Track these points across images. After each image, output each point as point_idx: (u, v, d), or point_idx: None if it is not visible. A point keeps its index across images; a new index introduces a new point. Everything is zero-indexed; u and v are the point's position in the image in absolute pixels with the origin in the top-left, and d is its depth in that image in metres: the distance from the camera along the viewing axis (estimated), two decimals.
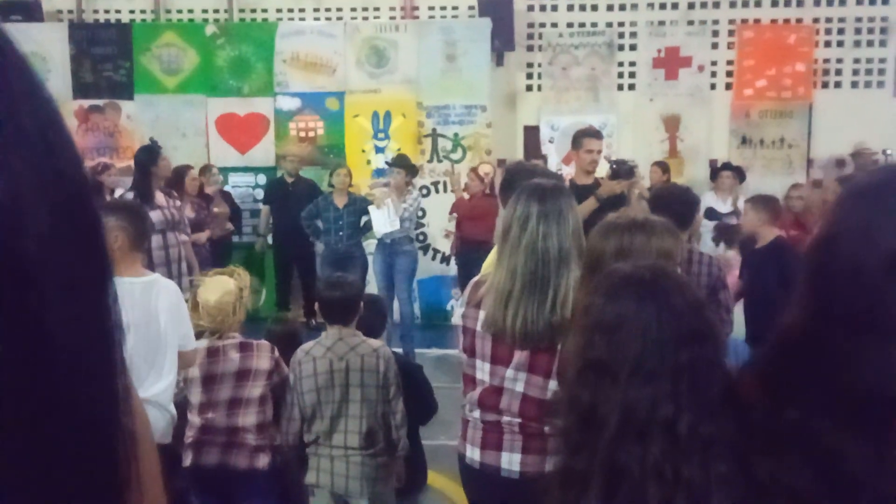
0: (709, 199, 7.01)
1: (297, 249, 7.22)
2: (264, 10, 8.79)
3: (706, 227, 6.70)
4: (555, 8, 8.54)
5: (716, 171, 7.45)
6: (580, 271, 2.18)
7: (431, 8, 8.66)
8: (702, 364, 1.26)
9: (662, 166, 7.57)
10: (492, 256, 2.86)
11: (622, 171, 4.24)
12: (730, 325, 3.54)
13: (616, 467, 1.21)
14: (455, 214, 7.17)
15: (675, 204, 3.55)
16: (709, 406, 1.23)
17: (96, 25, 8.60)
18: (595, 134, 4.45)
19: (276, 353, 3.19)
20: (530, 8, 8.52)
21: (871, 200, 1.04)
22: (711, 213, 6.93)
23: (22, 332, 0.27)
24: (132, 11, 8.90)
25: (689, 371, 1.25)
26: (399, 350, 5.33)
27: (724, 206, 7.00)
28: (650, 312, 1.30)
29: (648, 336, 1.28)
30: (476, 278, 2.49)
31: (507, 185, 3.01)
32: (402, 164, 6.51)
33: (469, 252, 6.51)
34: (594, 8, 8.49)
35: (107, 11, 8.92)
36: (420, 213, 7.69)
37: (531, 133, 8.50)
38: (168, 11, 8.88)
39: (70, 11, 8.86)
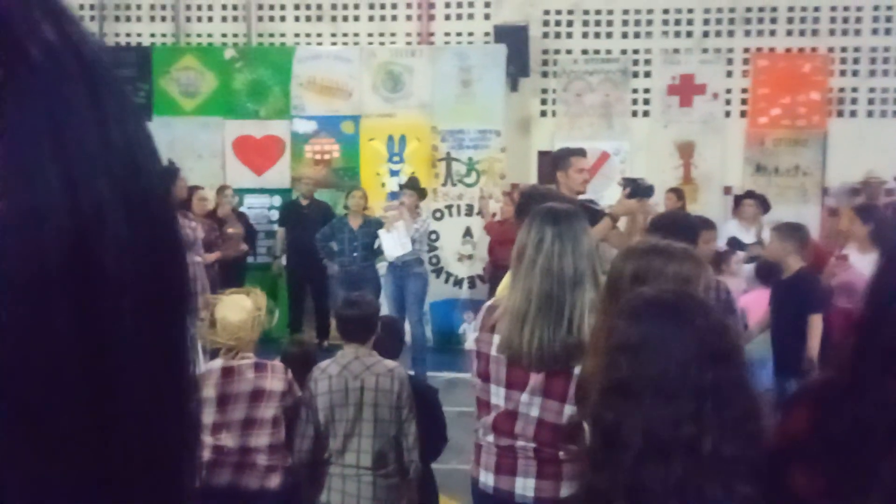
0: (732, 228, 6.96)
1: (311, 271, 7.25)
2: (282, 35, 8.92)
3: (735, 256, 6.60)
4: (569, 35, 8.62)
5: (738, 199, 7.40)
6: (594, 293, 2.19)
7: (447, 34, 8.76)
8: (725, 385, 1.26)
9: (677, 193, 7.57)
10: (506, 281, 2.86)
11: (640, 190, 4.07)
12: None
13: (639, 487, 1.20)
14: (488, 237, 7.24)
15: (675, 230, 3.51)
16: (732, 427, 1.22)
17: (117, 48, 8.75)
18: (582, 153, 4.32)
19: (290, 375, 3.18)
20: (545, 35, 8.60)
21: None
22: (735, 243, 6.88)
23: (99, 348, 0.28)
24: (153, 35, 9.06)
25: (712, 392, 1.25)
26: (411, 373, 5.31)
27: (747, 236, 6.93)
28: (673, 334, 1.30)
29: (671, 357, 1.28)
30: (489, 302, 2.49)
31: (521, 209, 3.03)
32: (413, 186, 6.55)
33: (501, 276, 6.50)
34: (608, 35, 8.56)
35: (128, 35, 9.08)
36: (433, 237, 7.71)
37: (545, 158, 8.53)
38: (188, 35, 9.03)
39: (92, 35, 9.00)
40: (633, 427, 1.24)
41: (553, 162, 4.43)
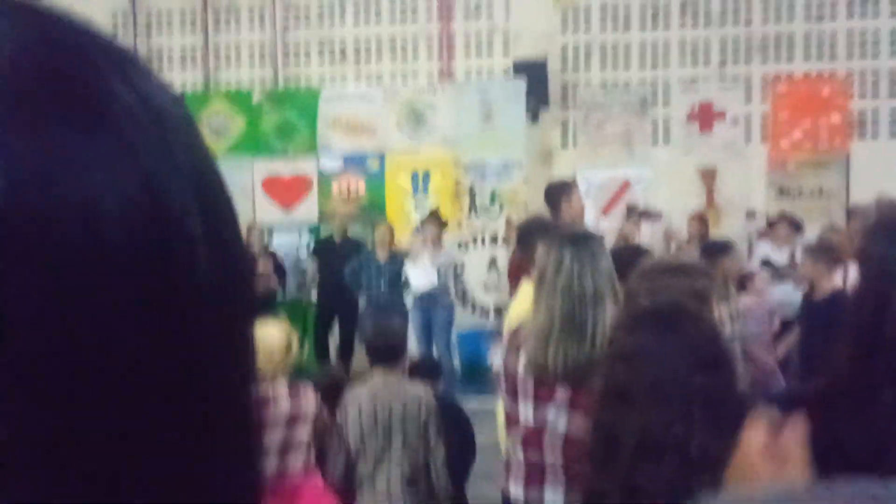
0: (765, 249, 6.98)
1: (341, 303, 7.37)
2: (308, 77, 9.19)
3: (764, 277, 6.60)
4: (588, 68, 8.77)
5: (772, 222, 7.42)
6: (616, 310, 2.26)
7: (468, 71, 8.96)
8: (714, 390, 1.33)
9: (700, 218, 7.60)
10: (518, 303, 2.96)
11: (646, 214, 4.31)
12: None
13: (633, 487, 1.28)
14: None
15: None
16: (721, 429, 1.30)
17: None
18: (574, 184, 4.68)
19: (318, 398, 3.28)
20: (563, 68, 8.77)
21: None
22: (767, 263, 6.88)
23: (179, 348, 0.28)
24: (183, 83, 9.39)
25: (701, 396, 1.33)
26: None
27: (780, 257, 6.93)
28: (664, 343, 1.39)
29: (663, 364, 1.36)
30: (514, 327, 2.58)
31: (522, 239, 3.13)
32: (433, 219, 6.70)
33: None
34: (626, 66, 8.69)
35: None
36: (459, 267, 7.81)
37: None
38: (217, 81, 9.35)
39: (164, 85, 9.37)
40: (629, 429, 1.32)
41: (552, 193, 4.63)
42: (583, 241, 2.37)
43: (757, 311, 4.70)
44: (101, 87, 0.28)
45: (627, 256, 3.78)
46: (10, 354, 0.24)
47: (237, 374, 0.32)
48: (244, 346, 0.32)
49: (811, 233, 7.27)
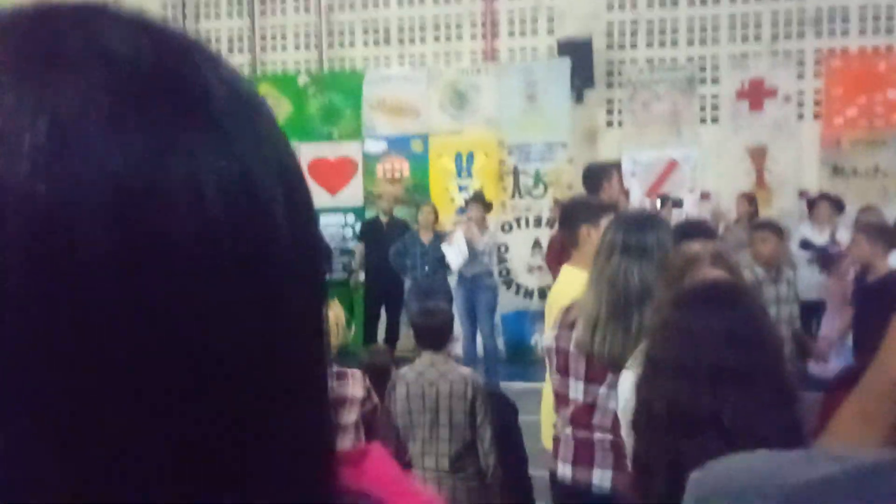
0: (805, 230, 6.85)
1: (388, 286, 7.45)
2: (352, 60, 9.24)
3: (800, 257, 6.52)
4: (634, 45, 8.62)
5: (812, 202, 7.26)
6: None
7: (511, 51, 8.90)
8: (752, 369, 1.35)
9: (749, 198, 7.46)
10: (559, 285, 2.95)
11: (673, 201, 4.48)
12: None
13: (674, 460, 1.30)
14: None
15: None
16: (757, 404, 1.32)
17: None
18: (616, 166, 4.74)
19: (368, 382, 3.34)
20: (609, 46, 8.64)
21: None
22: (806, 244, 6.75)
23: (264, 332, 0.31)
24: None
25: (731, 372, 1.35)
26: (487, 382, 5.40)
27: (820, 237, 6.80)
28: (699, 318, 1.43)
29: (691, 338, 1.39)
30: (566, 304, 2.59)
31: (565, 220, 3.11)
32: (478, 200, 6.71)
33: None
34: (674, 43, 8.53)
35: None
36: (502, 249, 7.82)
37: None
38: (263, 65, 9.47)
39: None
40: (662, 401, 1.35)
41: (592, 175, 4.61)
42: (637, 229, 2.35)
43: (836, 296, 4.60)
44: (201, 85, 0.31)
45: (692, 232, 3.77)
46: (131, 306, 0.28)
47: (315, 349, 0.34)
48: (320, 323, 0.35)
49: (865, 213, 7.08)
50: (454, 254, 6.50)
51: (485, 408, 3.14)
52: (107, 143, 0.29)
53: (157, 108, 0.30)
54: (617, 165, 4.75)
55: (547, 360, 2.56)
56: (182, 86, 0.31)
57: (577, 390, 2.41)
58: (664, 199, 4.53)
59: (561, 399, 2.47)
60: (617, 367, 2.29)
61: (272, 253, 0.31)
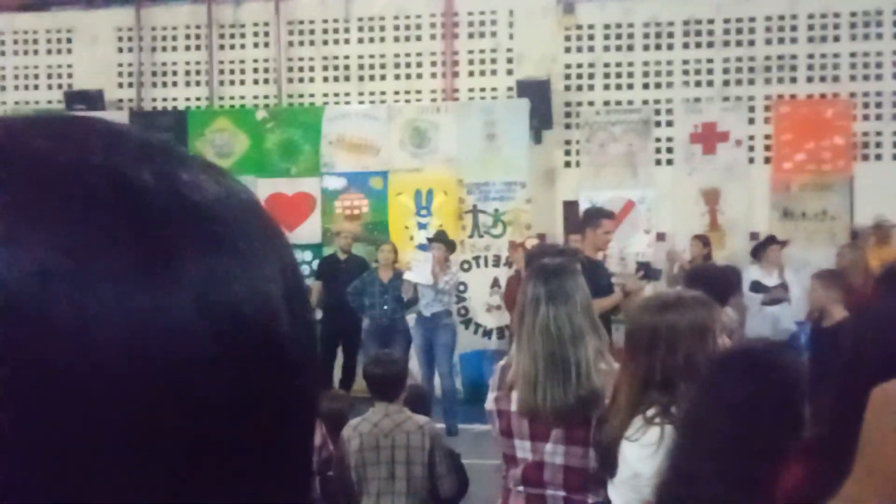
0: (754, 273, 6.98)
1: (345, 324, 7.34)
2: (311, 95, 9.22)
3: (752, 300, 6.64)
4: (591, 87, 8.78)
5: (760, 245, 7.41)
6: (599, 340, 2.35)
7: (471, 90, 8.98)
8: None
9: (703, 240, 7.59)
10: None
11: (651, 273, 5.10)
12: None
13: None
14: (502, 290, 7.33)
15: (712, 282, 3.56)
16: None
17: (154, 113, 9.12)
18: (610, 215, 4.99)
19: (324, 430, 3.25)
20: (567, 88, 8.79)
21: None
22: (758, 287, 6.88)
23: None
24: (188, 99, 9.42)
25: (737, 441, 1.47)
26: (441, 425, 5.34)
27: (770, 279, 6.95)
28: (727, 385, 1.59)
29: (717, 402, 1.55)
30: (502, 362, 2.59)
31: (530, 264, 3.18)
32: (441, 239, 6.69)
33: None
34: (630, 87, 8.71)
35: (164, 100, 9.46)
36: (461, 288, 7.79)
37: (571, 208, 8.63)
38: (221, 98, 9.38)
39: (130, 100, 9.42)
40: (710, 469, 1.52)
41: (584, 218, 4.83)
42: (555, 277, 2.40)
43: None
44: (238, 226, 0.35)
45: (718, 275, 3.93)
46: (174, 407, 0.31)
47: (306, 428, 0.37)
48: (312, 406, 0.38)
49: (815, 255, 7.26)
50: (418, 275, 6.51)
51: (445, 455, 3.08)
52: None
53: (217, 242, 0.33)
54: (610, 213, 5.10)
55: (490, 423, 2.55)
56: (220, 230, 0.33)
57: (524, 449, 2.42)
58: (643, 269, 5.22)
59: (509, 459, 2.47)
60: (562, 420, 2.29)
61: (276, 355, 0.34)
